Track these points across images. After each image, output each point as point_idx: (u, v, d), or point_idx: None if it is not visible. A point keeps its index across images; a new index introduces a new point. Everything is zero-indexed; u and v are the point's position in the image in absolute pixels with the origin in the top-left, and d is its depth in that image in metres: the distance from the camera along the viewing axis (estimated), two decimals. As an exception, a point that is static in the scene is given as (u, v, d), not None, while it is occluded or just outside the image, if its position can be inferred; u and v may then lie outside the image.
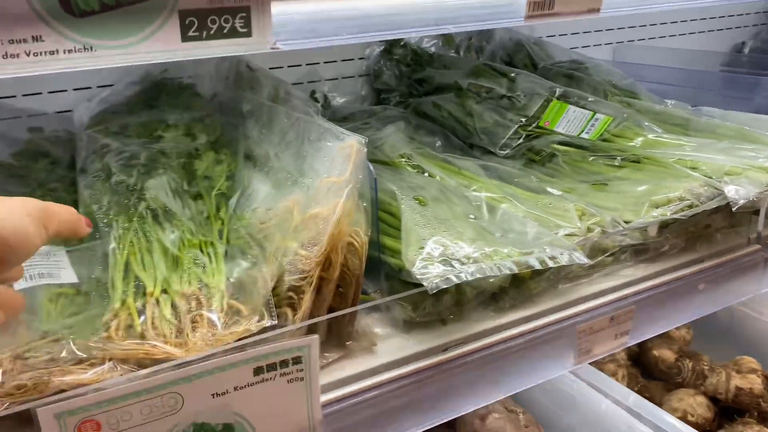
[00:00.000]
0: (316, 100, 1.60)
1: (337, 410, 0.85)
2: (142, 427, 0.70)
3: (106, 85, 1.31)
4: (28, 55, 0.53)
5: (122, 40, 0.56)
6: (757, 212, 1.19)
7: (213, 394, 0.75)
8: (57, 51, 0.54)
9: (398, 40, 1.66)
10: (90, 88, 1.33)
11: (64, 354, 0.68)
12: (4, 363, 0.66)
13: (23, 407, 0.63)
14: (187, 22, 0.58)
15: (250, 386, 0.77)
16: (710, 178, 1.10)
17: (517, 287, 0.98)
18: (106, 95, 1.24)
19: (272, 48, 0.63)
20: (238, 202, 1.03)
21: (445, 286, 0.79)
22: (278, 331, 0.81)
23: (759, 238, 1.23)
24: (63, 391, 0.65)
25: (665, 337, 1.79)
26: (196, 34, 0.59)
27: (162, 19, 0.57)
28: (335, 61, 1.61)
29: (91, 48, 0.55)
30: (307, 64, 1.57)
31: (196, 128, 1.08)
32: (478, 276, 0.81)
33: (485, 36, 1.75)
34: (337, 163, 0.84)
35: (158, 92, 1.24)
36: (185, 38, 0.59)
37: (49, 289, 0.78)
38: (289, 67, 1.54)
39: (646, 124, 1.33)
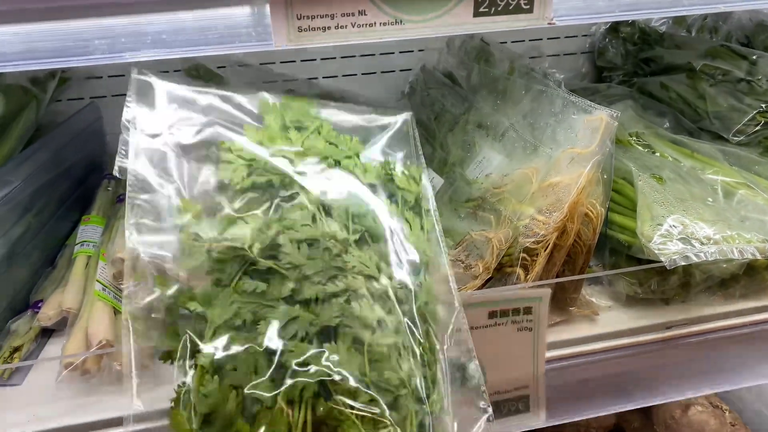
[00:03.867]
0: (535, 76, 1.63)
1: (556, 368, 0.90)
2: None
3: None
4: (353, 26, 0.64)
5: (426, 14, 0.65)
6: None
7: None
8: (375, 23, 0.64)
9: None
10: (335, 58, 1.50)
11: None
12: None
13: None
14: (480, -1, 0.65)
15: (484, 328, 0.85)
16: None
17: (751, 276, 0.95)
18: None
19: (549, 24, 0.69)
20: (470, 167, 1.11)
21: (683, 264, 0.81)
22: (510, 287, 0.88)
23: None
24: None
25: None
26: (486, 10, 0.66)
27: (461, -4, 0.65)
28: (558, 38, 1.62)
29: (401, 21, 0.65)
30: (530, 40, 1.60)
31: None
32: (719, 258, 0.81)
33: (721, 15, 1.65)
34: (582, 134, 0.87)
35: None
36: (477, 13, 0.66)
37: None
38: (512, 42, 1.58)
39: None
